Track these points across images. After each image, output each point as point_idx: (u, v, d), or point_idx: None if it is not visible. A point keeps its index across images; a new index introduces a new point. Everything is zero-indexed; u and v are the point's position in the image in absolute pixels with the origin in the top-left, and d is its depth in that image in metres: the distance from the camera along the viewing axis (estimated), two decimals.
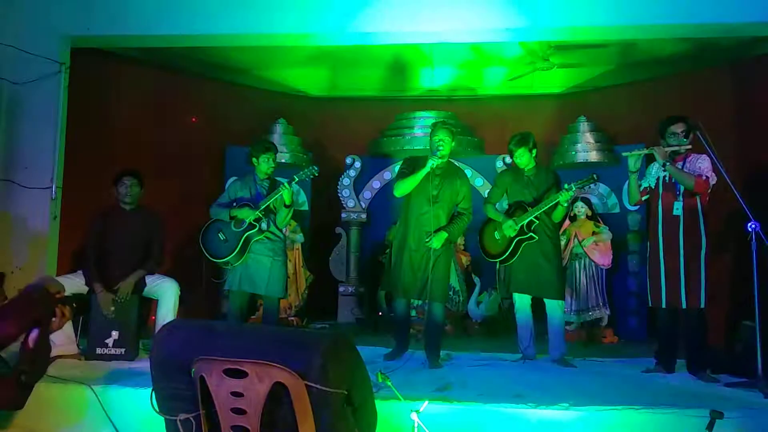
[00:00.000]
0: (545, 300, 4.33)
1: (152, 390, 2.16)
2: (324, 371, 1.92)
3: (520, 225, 4.20)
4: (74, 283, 4.08)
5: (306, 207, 6.63)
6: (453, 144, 4.13)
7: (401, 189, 4.11)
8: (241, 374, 1.93)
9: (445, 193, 4.11)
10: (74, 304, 2.49)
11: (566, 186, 4.12)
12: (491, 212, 4.43)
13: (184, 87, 6.55)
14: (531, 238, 4.22)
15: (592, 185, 4.53)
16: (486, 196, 4.57)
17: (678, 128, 3.94)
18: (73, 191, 5.12)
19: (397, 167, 6.45)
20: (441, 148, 4.04)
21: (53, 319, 2.40)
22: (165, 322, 4.01)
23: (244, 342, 2.00)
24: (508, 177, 4.46)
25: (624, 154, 4.10)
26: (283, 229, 4.48)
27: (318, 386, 1.90)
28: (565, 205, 4.19)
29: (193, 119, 6.57)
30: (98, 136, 5.72)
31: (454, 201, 4.16)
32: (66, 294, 3.26)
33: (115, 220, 4.28)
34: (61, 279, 4.20)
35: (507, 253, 4.29)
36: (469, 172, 6.53)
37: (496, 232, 4.37)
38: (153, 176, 4.88)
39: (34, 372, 2.32)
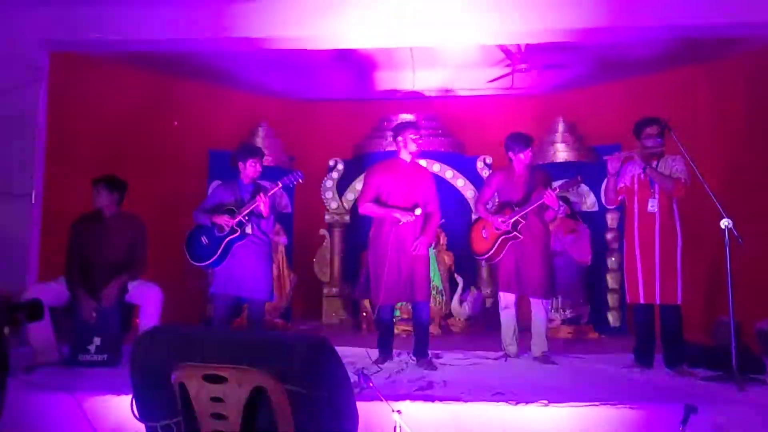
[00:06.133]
0: (531, 298, 4.39)
1: (132, 397, 2.18)
2: (303, 374, 1.94)
3: (506, 223, 4.25)
4: (55, 290, 4.06)
5: (289, 210, 6.64)
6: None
7: (368, 211, 4.20)
8: (220, 379, 1.95)
9: (417, 195, 4.19)
10: (26, 310, 2.42)
11: (552, 186, 4.21)
12: (481, 211, 4.49)
13: (166, 90, 6.53)
14: (516, 237, 4.28)
15: (576, 187, 4.60)
16: (476, 195, 4.59)
17: (653, 130, 4.02)
18: (54, 197, 5.09)
19: None
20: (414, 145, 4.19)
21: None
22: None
23: (223, 347, 2.02)
24: (500, 176, 4.51)
25: (605, 158, 4.17)
26: (270, 233, 4.51)
27: (297, 389, 1.92)
28: (555, 209, 4.27)
29: (175, 123, 6.55)
30: (80, 140, 5.69)
31: (424, 200, 4.21)
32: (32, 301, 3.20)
33: (97, 226, 4.26)
34: (42, 286, 4.19)
35: (491, 251, 4.34)
36: (449, 173, 6.59)
37: (483, 230, 4.43)
38: (136, 181, 4.87)
39: None
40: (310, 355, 1.98)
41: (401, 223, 4.09)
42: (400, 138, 4.19)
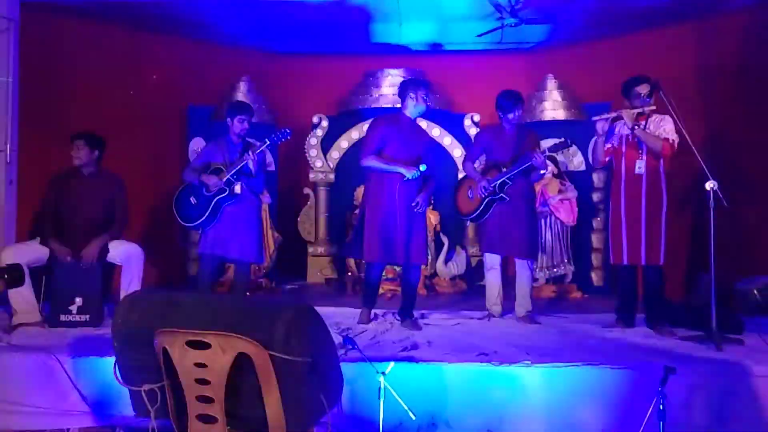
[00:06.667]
0: (515, 258, 4.40)
1: (115, 361, 2.16)
2: (287, 341, 1.93)
3: (493, 185, 4.22)
4: (34, 250, 3.99)
5: (273, 168, 6.55)
6: None
7: (372, 164, 4.04)
8: (204, 345, 1.93)
9: (418, 151, 4.11)
10: (5, 276, 2.39)
11: (540, 148, 4.15)
12: (469, 170, 4.43)
13: (143, 44, 6.31)
14: (502, 198, 4.25)
15: (565, 149, 4.54)
16: (463, 153, 4.48)
17: (642, 89, 3.97)
18: (29, 155, 4.95)
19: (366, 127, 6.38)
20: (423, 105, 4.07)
21: None
22: (130, 289, 4.03)
23: (207, 313, 1.99)
24: (488, 135, 4.45)
25: (593, 119, 4.11)
26: (260, 193, 4.43)
27: (281, 356, 1.91)
28: (542, 171, 4.22)
29: (154, 77, 6.35)
30: (54, 96, 5.51)
31: (425, 159, 4.11)
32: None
33: (75, 183, 4.16)
34: (19, 246, 4.11)
35: (477, 212, 4.32)
36: (436, 131, 6.50)
37: (470, 191, 4.40)
38: (113, 137, 4.74)
39: None
40: (294, 322, 1.96)
41: (406, 179, 3.97)
42: (412, 94, 4.04)
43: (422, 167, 3.98)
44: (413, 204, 4.00)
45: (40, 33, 5.19)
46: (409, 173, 3.95)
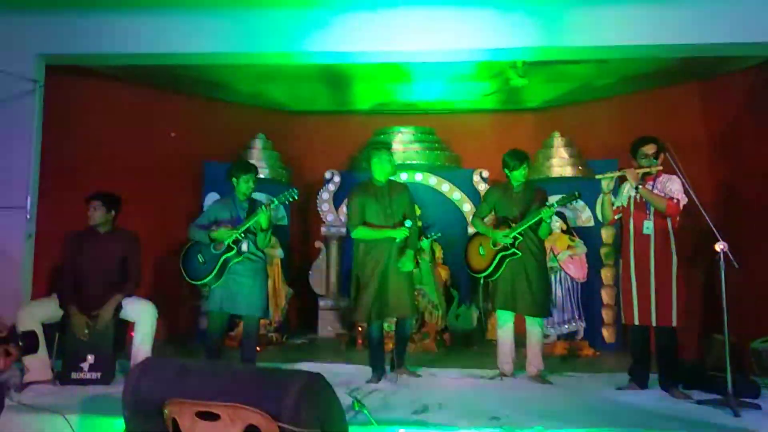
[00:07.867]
0: (526, 316, 4.38)
1: (125, 429, 2.17)
2: (296, 412, 1.94)
3: (509, 238, 4.24)
4: (49, 308, 4.04)
5: (285, 222, 6.63)
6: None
7: (361, 235, 4.23)
8: (213, 417, 1.94)
9: (398, 211, 4.25)
10: (21, 342, 2.43)
11: (548, 204, 4.19)
12: (479, 226, 4.48)
13: (161, 102, 6.50)
14: (514, 254, 4.27)
15: (574, 201, 4.57)
16: (475, 210, 4.65)
17: (649, 150, 4.02)
18: (48, 211, 5.06)
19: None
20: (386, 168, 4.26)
21: None
22: (142, 345, 4.05)
23: (217, 383, 2.01)
24: (497, 192, 4.51)
25: (597, 177, 4.16)
26: (264, 249, 4.49)
27: (291, 427, 1.91)
28: (549, 221, 4.25)
29: (173, 134, 6.52)
30: (75, 153, 5.66)
31: (403, 215, 4.26)
32: (25, 329, 3.19)
33: (91, 242, 4.24)
34: (35, 303, 4.17)
35: (490, 269, 4.34)
36: (446, 186, 6.58)
37: (480, 247, 4.42)
38: (130, 194, 4.84)
39: None
40: (303, 392, 1.97)
41: (398, 241, 4.14)
42: (375, 160, 4.24)
43: (407, 223, 4.16)
44: (400, 265, 4.18)
45: (61, 92, 5.37)
46: (399, 235, 4.14)
